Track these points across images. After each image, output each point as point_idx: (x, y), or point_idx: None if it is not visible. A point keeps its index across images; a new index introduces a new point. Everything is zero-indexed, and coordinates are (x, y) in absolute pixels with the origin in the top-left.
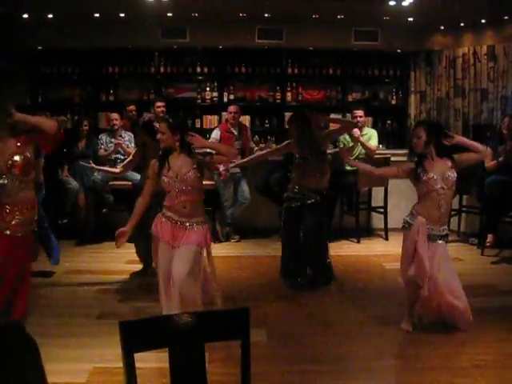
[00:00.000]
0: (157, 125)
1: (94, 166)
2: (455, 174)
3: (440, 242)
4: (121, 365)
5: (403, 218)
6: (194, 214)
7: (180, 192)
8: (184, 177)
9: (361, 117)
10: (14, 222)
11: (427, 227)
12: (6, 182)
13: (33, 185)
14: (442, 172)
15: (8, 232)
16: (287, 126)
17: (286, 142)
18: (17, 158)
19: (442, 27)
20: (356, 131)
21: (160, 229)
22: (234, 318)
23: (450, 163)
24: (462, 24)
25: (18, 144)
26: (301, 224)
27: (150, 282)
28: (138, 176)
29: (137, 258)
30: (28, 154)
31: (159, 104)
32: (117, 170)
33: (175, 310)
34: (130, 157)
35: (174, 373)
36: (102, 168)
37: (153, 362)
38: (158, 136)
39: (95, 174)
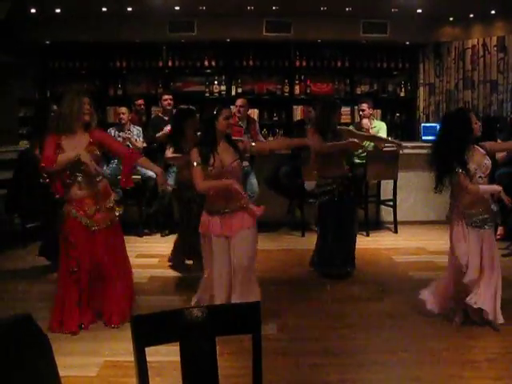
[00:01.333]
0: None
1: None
2: (490, 161)
3: (487, 227)
4: (131, 358)
5: (446, 214)
6: (236, 200)
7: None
8: (229, 167)
9: (364, 110)
10: (96, 214)
11: (468, 215)
12: (75, 175)
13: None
14: (479, 161)
15: (94, 227)
16: (310, 111)
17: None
18: (86, 156)
19: (451, 18)
20: (366, 123)
21: (209, 225)
22: (245, 312)
23: (483, 151)
24: (471, 15)
25: (91, 140)
26: (336, 214)
27: (160, 276)
28: (147, 171)
29: (147, 252)
30: (97, 152)
31: (166, 97)
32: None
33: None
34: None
35: (186, 366)
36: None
37: (164, 356)
38: (229, 122)
39: (104, 168)
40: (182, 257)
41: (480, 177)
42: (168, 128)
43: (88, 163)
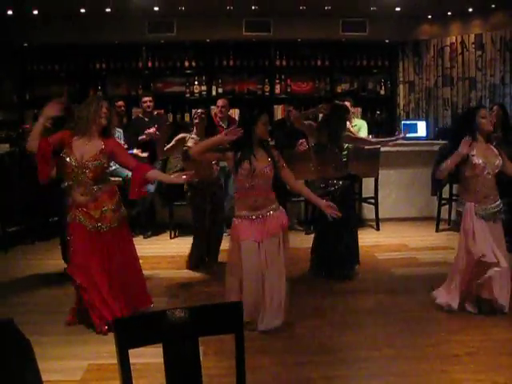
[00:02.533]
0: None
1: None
2: (501, 162)
3: (495, 219)
4: (115, 361)
5: (456, 210)
6: (266, 204)
7: (252, 187)
8: (260, 172)
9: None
10: (102, 216)
11: (478, 209)
12: (79, 180)
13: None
14: (490, 158)
15: (102, 229)
16: (290, 110)
17: (311, 125)
18: (94, 163)
19: (430, 16)
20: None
21: (239, 229)
22: (227, 311)
23: (496, 151)
24: (449, 13)
25: (103, 147)
26: (335, 229)
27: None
28: (128, 172)
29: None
30: (105, 162)
31: (146, 99)
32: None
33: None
34: (174, 142)
35: (169, 368)
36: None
37: (147, 358)
38: (266, 128)
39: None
40: (202, 256)
41: (488, 173)
42: (152, 130)
43: None
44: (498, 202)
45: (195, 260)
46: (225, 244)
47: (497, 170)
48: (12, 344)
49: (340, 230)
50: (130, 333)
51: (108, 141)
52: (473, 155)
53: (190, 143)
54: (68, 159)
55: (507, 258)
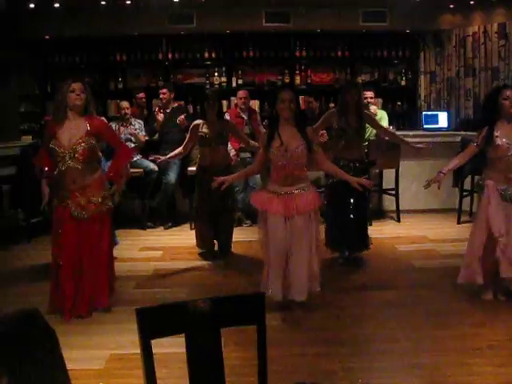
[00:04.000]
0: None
1: (160, 157)
2: None
3: (509, 203)
4: (137, 351)
5: (475, 182)
6: (297, 182)
7: (284, 165)
8: (293, 151)
9: (371, 98)
10: (88, 204)
11: (498, 188)
12: (70, 166)
13: (98, 166)
14: None
15: (82, 217)
16: (311, 101)
17: (326, 115)
18: (82, 145)
19: (452, 6)
20: (374, 109)
21: (267, 203)
22: (249, 303)
23: None
24: (471, 2)
25: (89, 129)
26: (348, 197)
27: (164, 269)
28: (149, 163)
29: (151, 245)
30: (93, 141)
31: (161, 91)
32: (177, 151)
33: (292, 283)
34: (189, 134)
35: (192, 358)
36: (168, 156)
37: (169, 348)
38: (284, 105)
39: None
40: (209, 241)
41: None
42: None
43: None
44: None
45: (204, 246)
46: (247, 234)
47: None
48: (37, 334)
49: (347, 215)
50: (153, 323)
51: (92, 121)
52: (496, 136)
53: (204, 129)
54: (56, 148)
55: None
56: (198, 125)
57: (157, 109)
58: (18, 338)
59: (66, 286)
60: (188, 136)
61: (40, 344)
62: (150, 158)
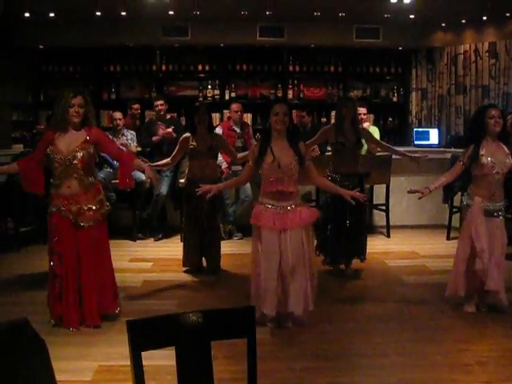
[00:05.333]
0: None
1: (149, 164)
2: (511, 161)
3: (496, 216)
4: (126, 363)
5: (461, 198)
6: (289, 198)
7: (277, 180)
8: (285, 167)
9: (365, 114)
10: (82, 212)
11: (483, 204)
12: (67, 172)
13: (94, 174)
14: (499, 157)
15: (81, 224)
16: (303, 116)
17: (322, 130)
18: (81, 153)
19: (444, 24)
20: (367, 125)
21: (261, 217)
22: (240, 316)
23: (506, 149)
24: (463, 21)
25: (88, 138)
26: (343, 210)
27: (154, 280)
28: (140, 174)
29: (141, 256)
30: (91, 150)
31: (158, 102)
32: (165, 161)
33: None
34: (178, 145)
35: (181, 370)
36: (155, 164)
37: (157, 360)
38: (278, 118)
39: (98, 172)
40: (196, 257)
41: (497, 172)
42: (166, 129)
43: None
44: (501, 202)
45: (190, 263)
46: (238, 247)
47: (506, 170)
48: (28, 343)
49: (343, 228)
50: (143, 335)
51: (91, 131)
52: (482, 155)
53: (193, 142)
54: (54, 154)
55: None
56: (187, 138)
57: (165, 130)
58: (7, 347)
59: (68, 296)
60: (177, 148)
61: (30, 354)
62: (155, 137)
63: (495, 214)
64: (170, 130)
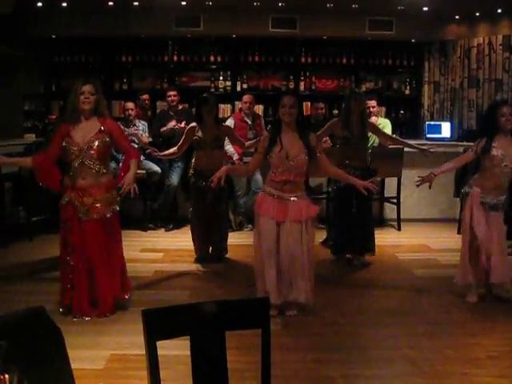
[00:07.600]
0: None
1: (156, 151)
2: None
3: (492, 212)
4: (137, 352)
5: (463, 188)
6: (294, 190)
7: (284, 171)
8: (294, 158)
9: (374, 107)
10: (93, 205)
11: (481, 195)
12: (83, 162)
13: (109, 168)
14: (511, 151)
15: (90, 216)
16: (322, 107)
17: (329, 123)
18: (96, 142)
19: (457, 17)
20: (375, 120)
21: (262, 205)
22: (254, 307)
23: None
24: (477, 14)
25: (102, 128)
26: (351, 202)
27: (165, 271)
28: (152, 165)
29: (152, 247)
30: (107, 139)
31: (170, 93)
32: (171, 150)
33: (279, 287)
34: (184, 135)
35: (196, 360)
36: (162, 154)
37: (171, 350)
38: (285, 110)
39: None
40: (203, 246)
41: (506, 165)
42: (173, 123)
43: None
44: (500, 197)
45: (199, 251)
46: (248, 238)
47: None
48: (44, 332)
49: (352, 220)
50: (159, 324)
51: (105, 121)
52: (494, 146)
53: (199, 133)
54: (70, 146)
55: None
56: (193, 127)
57: (178, 124)
58: (24, 336)
59: (80, 285)
60: (183, 137)
61: (46, 342)
62: (148, 151)
63: (490, 208)
64: (182, 125)
